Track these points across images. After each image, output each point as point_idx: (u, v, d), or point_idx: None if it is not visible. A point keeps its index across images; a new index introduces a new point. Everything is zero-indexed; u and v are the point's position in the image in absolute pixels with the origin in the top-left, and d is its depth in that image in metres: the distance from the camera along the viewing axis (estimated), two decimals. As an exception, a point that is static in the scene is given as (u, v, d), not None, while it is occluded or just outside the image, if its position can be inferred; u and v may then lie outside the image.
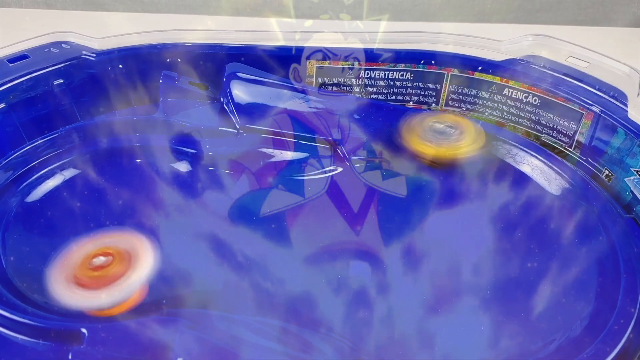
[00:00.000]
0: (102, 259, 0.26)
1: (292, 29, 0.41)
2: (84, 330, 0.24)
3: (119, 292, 0.26)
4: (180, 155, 0.37)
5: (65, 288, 0.25)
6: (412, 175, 0.37)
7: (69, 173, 0.35)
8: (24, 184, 0.33)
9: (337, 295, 0.29)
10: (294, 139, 0.38)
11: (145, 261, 0.26)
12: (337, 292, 0.29)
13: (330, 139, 0.37)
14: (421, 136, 0.36)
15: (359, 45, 0.40)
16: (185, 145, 0.37)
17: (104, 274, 0.26)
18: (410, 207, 0.35)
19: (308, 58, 0.40)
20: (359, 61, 0.40)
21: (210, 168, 0.37)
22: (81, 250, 0.27)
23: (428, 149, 0.36)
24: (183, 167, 0.36)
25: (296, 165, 0.37)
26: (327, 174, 0.37)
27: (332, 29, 0.41)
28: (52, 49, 0.38)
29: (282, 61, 0.40)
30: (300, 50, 0.40)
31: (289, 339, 0.26)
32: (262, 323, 0.26)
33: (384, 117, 0.39)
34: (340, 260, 0.31)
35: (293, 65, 0.40)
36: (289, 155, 0.38)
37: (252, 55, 0.40)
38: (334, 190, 0.36)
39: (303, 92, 0.39)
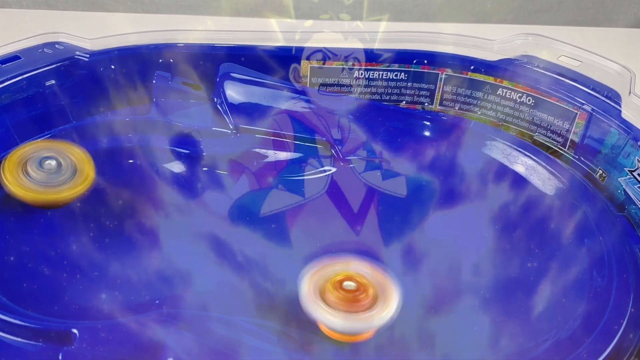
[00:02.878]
0: (352, 284, 0.26)
1: (292, 29, 0.41)
2: (74, 330, 0.24)
3: (358, 323, 0.25)
4: (173, 156, 0.37)
5: (311, 297, 0.26)
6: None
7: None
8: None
9: None
10: (289, 139, 0.38)
11: (390, 306, 0.26)
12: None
13: (325, 139, 0.37)
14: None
15: (358, 45, 0.40)
16: (178, 145, 0.37)
17: (351, 298, 0.26)
18: (409, 208, 0.35)
19: (308, 58, 0.40)
20: (358, 61, 0.40)
21: (204, 168, 0.37)
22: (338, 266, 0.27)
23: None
24: (176, 167, 0.36)
25: (291, 166, 0.37)
26: (322, 174, 0.37)
27: (332, 29, 0.41)
28: (45, 49, 0.38)
29: (282, 61, 0.40)
30: (300, 50, 0.40)
31: (287, 340, 0.26)
32: (259, 325, 0.26)
33: (382, 118, 0.39)
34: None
35: (293, 65, 0.40)
36: (283, 155, 0.38)
37: (251, 56, 0.40)
38: (333, 190, 0.36)
39: (297, 92, 0.39)
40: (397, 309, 0.26)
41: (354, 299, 0.26)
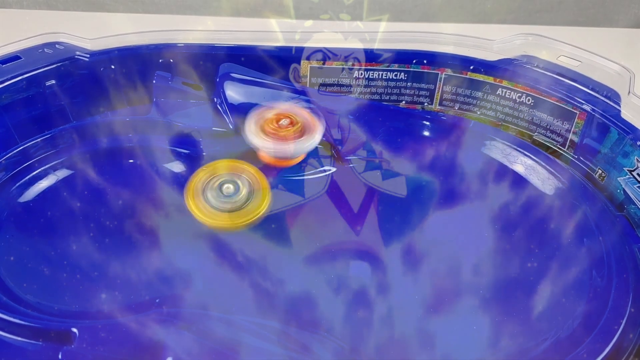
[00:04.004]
0: (286, 121, 0.34)
1: (292, 29, 0.41)
2: (74, 330, 0.24)
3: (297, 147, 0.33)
4: (173, 156, 0.37)
5: (255, 135, 0.33)
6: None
7: (62, 174, 0.35)
8: (17, 184, 0.33)
9: (337, 296, 0.29)
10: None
11: (316, 135, 0.34)
12: (337, 292, 0.29)
13: (325, 139, 0.37)
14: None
15: (358, 45, 0.40)
16: (178, 145, 0.37)
17: (286, 132, 0.33)
18: (409, 208, 0.35)
19: (308, 58, 0.40)
20: (358, 61, 0.40)
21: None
22: (270, 111, 0.35)
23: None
24: (177, 167, 0.36)
25: (291, 166, 0.37)
26: (322, 174, 0.37)
27: (332, 29, 0.41)
28: (45, 49, 0.38)
29: (282, 61, 0.40)
30: (300, 50, 0.40)
31: (286, 340, 0.26)
32: (259, 325, 0.26)
33: (382, 118, 0.39)
34: (339, 260, 0.31)
35: (293, 65, 0.40)
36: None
37: (251, 56, 0.40)
38: (333, 190, 0.36)
39: (297, 92, 0.39)
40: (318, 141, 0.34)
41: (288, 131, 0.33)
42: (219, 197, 0.31)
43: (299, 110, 0.35)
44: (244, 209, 0.31)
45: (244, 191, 0.32)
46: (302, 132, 0.34)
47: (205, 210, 0.31)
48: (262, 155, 0.34)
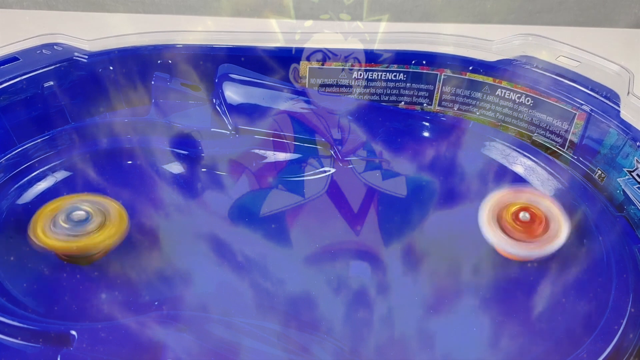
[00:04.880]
0: (527, 215, 0.31)
1: (292, 29, 0.41)
2: (73, 332, 0.24)
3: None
4: (173, 157, 0.36)
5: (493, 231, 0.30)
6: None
7: (60, 175, 0.35)
8: (16, 186, 0.33)
9: (336, 296, 0.29)
10: (288, 139, 0.38)
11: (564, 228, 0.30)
12: (336, 293, 0.29)
13: (324, 139, 0.37)
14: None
15: (358, 45, 0.40)
16: (178, 146, 0.37)
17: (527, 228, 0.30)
18: (409, 208, 0.35)
19: (308, 59, 0.40)
20: (358, 62, 0.40)
21: (203, 169, 0.36)
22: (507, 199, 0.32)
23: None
24: (176, 168, 0.36)
25: (291, 166, 0.37)
26: (322, 175, 0.37)
27: (332, 29, 0.41)
28: (43, 50, 0.38)
29: (282, 62, 0.40)
30: (300, 50, 0.40)
31: (286, 342, 0.26)
32: (258, 326, 0.26)
33: (381, 119, 0.39)
34: (339, 260, 0.31)
35: (293, 66, 0.40)
36: (283, 156, 0.38)
37: (251, 56, 0.40)
38: (332, 190, 0.36)
39: (296, 92, 0.39)
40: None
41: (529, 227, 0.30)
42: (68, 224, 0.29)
43: (541, 199, 0.31)
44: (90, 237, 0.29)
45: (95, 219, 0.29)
46: (547, 226, 0.30)
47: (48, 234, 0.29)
48: (499, 250, 0.30)
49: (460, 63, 0.40)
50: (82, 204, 0.30)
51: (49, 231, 0.29)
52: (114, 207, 0.30)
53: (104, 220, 0.30)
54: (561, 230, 0.30)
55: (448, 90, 0.41)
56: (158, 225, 0.33)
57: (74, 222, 0.29)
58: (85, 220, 0.29)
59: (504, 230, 0.30)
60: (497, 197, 0.32)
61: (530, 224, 0.30)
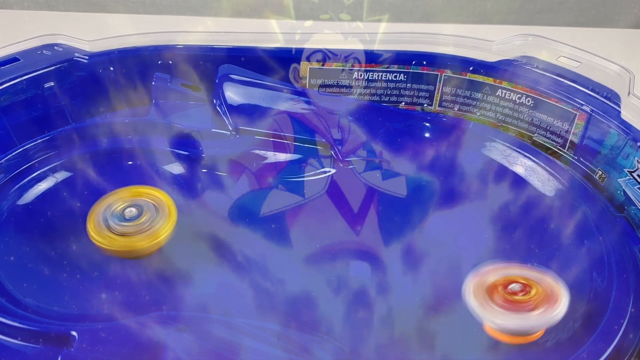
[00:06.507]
0: (517, 286, 0.27)
1: (292, 29, 0.41)
2: (74, 333, 0.24)
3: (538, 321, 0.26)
4: (173, 157, 0.36)
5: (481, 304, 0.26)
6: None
7: (61, 175, 0.35)
8: (16, 186, 0.33)
9: (336, 297, 0.29)
10: (289, 140, 0.38)
11: (561, 307, 0.26)
12: (336, 293, 0.29)
13: (325, 140, 0.37)
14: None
15: (358, 46, 0.40)
16: (178, 147, 0.37)
17: (517, 299, 0.27)
18: (409, 208, 0.35)
19: (308, 59, 0.40)
20: (358, 62, 0.40)
21: (204, 170, 0.36)
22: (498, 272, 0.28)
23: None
24: (176, 168, 0.36)
25: (291, 167, 0.37)
26: (322, 175, 0.37)
27: (332, 29, 0.41)
28: (44, 51, 0.38)
29: (282, 62, 0.40)
30: (300, 51, 0.40)
31: (286, 342, 0.26)
32: (258, 327, 0.26)
33: (382, 119, 0.39)
34: (339, 260, 0.31)
35: (293, 66, 0.40)
36: (283, 156, 0.38)
37: (251, 57, 0.40)
38: (333, 190, 0.36)
39: (296, 93, 0.39)
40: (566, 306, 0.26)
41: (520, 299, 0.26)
42: (121, 221, 0.30)
43: (533, 273, 0.28)
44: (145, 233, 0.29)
45: (147, 214, 0.30)
46: (543, 299, 0.26)
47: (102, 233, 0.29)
48: (487, 328, 0.27)
49: (460, 63, 0.40)
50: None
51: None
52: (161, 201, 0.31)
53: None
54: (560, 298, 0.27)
55: (448, 90, 0.41)
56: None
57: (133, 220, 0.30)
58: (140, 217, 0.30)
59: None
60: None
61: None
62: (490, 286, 0.27)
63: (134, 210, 0.30)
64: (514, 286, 0.27)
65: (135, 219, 0.30)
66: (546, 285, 0.27)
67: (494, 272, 0.28)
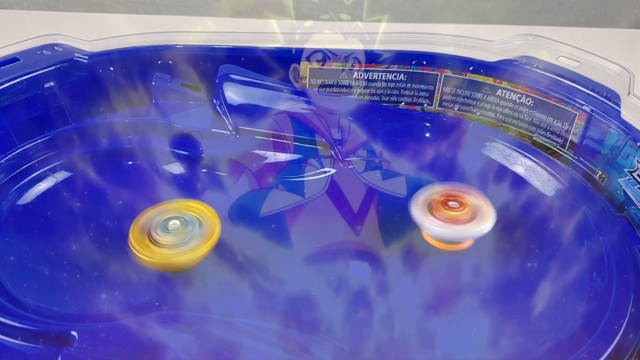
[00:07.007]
0: (454, 204, 0.32)
1: (292, 29, 0.41)
2: (74, 333, 0.24)
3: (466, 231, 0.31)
4: (173, 157, 0.37)
5: (423, 214, 0.31)
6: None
7: (61, 175, 0.35)
8: (16, 186, 0.33)
9: (336, 297, 0.29)
10: (289, 140, 0.38)
11: (487, 222, 0.31)
12: (336, 293, 0.29)
13: (325, 140, 0.37)
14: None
15: (358, 46, 0.40)
16: (178, 147, 0.37)
17: (452, 215, 0.31)
18: (409, 208, 0.35)
19: (308, 59, 0.40)
20: (358, 62, 0.40)
21: (204, 170, 0.36)
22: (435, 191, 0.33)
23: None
24: (176, 168, 0.36)
25: (291, 167, 0.37)
26: (322, 175, 0.37)
27: (332, 29, 0.41)
28: (44, 51, 0.38)
29: (282, 62, 0.40)
30: (300, 51, 0.40)
31: (286, 342, 0.26)
32: (258, 327, 0.26)
33: (382, 119, 0.39)
34: (339, 260, 0.31)
35: (293, 66, 0.40)
36: (283, 156, 0.38)
37: (251, 57, 0.40)
38: (332, 190, 0.36)
39: (296, 93, 0.39)
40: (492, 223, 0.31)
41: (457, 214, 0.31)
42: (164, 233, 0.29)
43: (468, 193, 0.33)
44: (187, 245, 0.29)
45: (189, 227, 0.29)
46: (473, 215, 0.31)
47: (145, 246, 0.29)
48: (425, 235, 0.32)
49: (460, 63, 0.40)
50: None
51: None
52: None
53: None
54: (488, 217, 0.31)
55: (448, 90, 0.41)
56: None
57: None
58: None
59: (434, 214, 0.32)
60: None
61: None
62: (432, 201, 0.32)
63: (177, 222, 0.29)
64: (452, 203, 0.32)
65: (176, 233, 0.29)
66: (478, 204, 0.32)
67: (438, 190, 0.33)
